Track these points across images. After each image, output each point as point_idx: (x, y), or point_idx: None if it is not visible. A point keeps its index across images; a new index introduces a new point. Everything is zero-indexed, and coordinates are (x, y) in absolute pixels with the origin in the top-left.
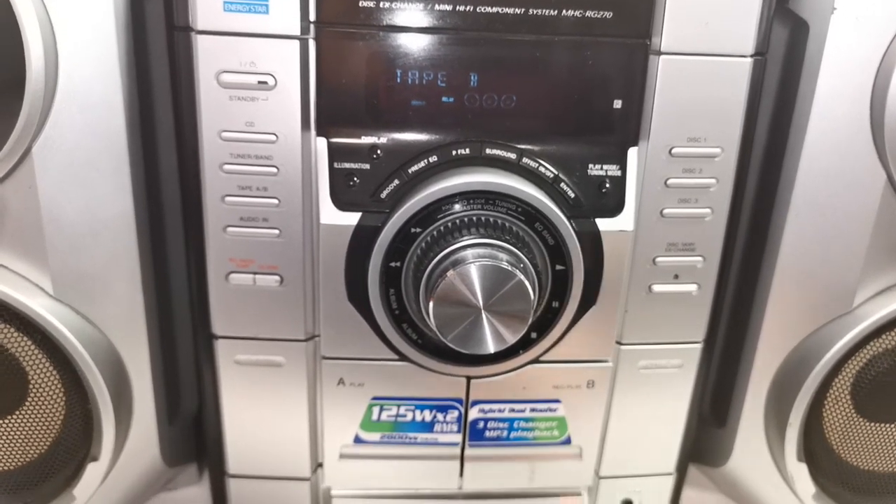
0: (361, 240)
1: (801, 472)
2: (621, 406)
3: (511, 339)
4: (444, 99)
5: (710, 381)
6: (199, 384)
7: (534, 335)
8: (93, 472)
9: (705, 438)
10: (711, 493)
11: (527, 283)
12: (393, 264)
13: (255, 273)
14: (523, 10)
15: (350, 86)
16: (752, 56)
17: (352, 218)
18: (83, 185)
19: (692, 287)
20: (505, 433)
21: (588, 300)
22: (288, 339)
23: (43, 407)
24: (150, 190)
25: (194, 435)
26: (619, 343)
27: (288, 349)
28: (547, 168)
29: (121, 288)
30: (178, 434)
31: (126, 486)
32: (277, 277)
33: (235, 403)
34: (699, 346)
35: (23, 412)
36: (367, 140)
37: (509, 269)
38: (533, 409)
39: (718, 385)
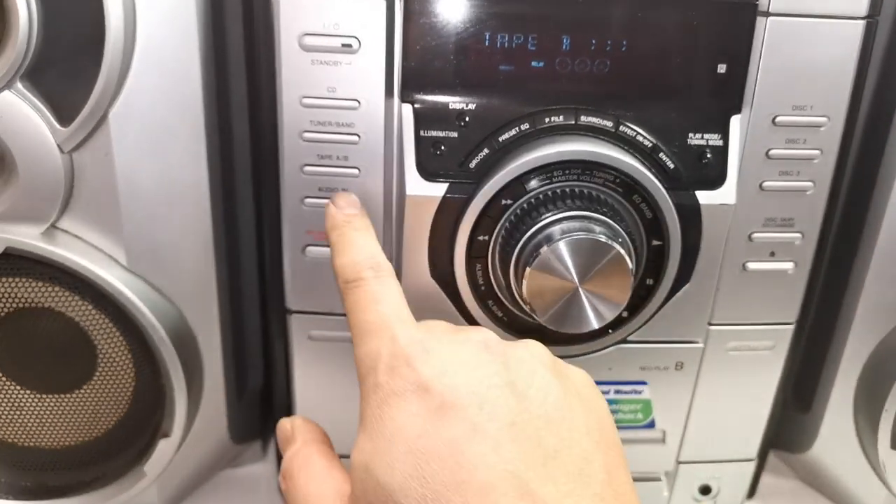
0: (448, 212)
1: (893, 461)
2: (707, 389)
3: (609, 316)
4: (534, 63)
5: (796, 363)
6: (269, 360)
7: (625, 314)
8: (164, 448)
9: (787, 423)
10: (788, 480)
11: (626, 256)
12: (481, 238)
13: None
14: None
15: (437, 49)
16: (864, 18)
17: (438, 189)
18: (158, 152)
19: (789, 265)
20: None
21: (683, 278)
22: None
23: (113, 380)
24: (224, 159)
25: (260, 412)
26: (709, 323)
27: None
28: (645, 137)
29: (193, 259)
30: (245, 410)
31: (194, 462)
32: None
33: (307, 380)
34: (791, 328)
35: (92, 385)
36: (454, 107)
37: (607, 242)
38: (618, 391)
39: (805, 368)
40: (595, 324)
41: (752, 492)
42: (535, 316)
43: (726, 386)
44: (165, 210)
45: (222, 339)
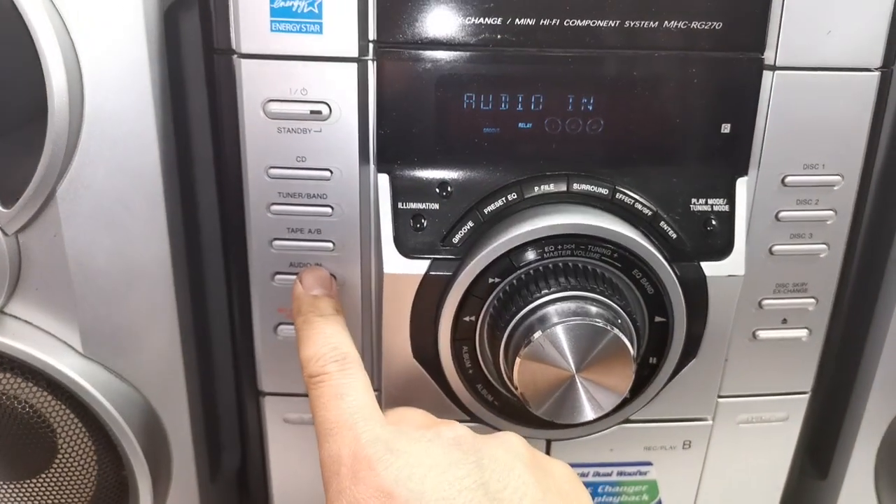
0: (430, 291)
1: None
2: (717, 465)
3: (608, 406)
4: (522, 125)
5: (813, 429)
6: (244, 443)
7: (627, 394)
8: None
9: (803, 492)
10: None
11: (626, 342)
12: (467, 318)
13: None
14: (618, 22)
15: (415, 113)
16: (879, 69)
17: (419, 266)
18: (114, 230)
19: (802, 332)
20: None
21: (689, 353)
22: None
23: (73, 469)
24: (188, 234)
25: (238, 491)
26: (719, 396)
27: None
28: (644, 204)
29: (157, 342)
30: (220, 492)
31: None
32: None
33: (284, 464)
34: (806, 397)
35: (51, 475)
36: (435, 176)
37: (605, 327)
38: (621, 473)
39: (822, 434)
40: (592, 415)
41: None
42: (528, 407)
43: (738, 461)
44: (124, 291)
45: (192, 423)
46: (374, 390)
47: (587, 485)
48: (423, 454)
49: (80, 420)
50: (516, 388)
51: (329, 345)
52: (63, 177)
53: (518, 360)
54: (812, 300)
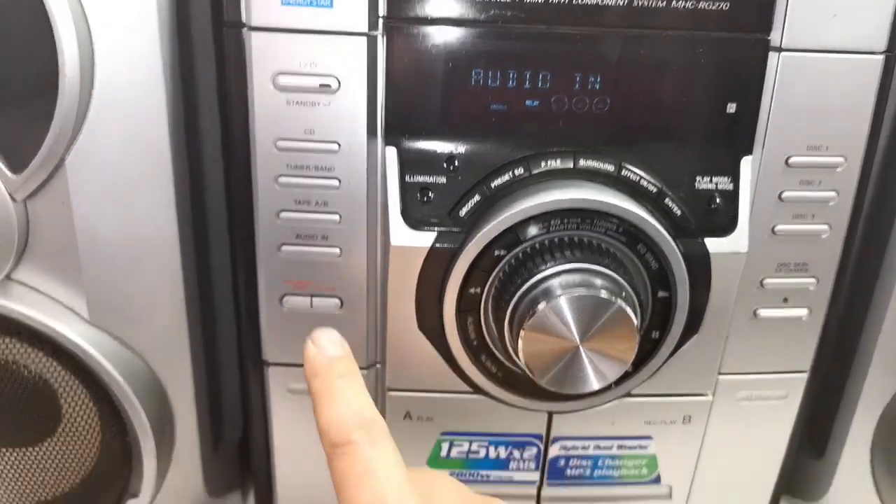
0: (436, 263)
1: None
2: (716, 441)
3: (613, 376)
4: (529, 103)
5: (810, 408)
6: (246, 413)
7: (629, 368)
8: None
9: (800, 469)
10: None
11: (630, 313)
12: (472, 291)
13: (311, 296)
14: (626, 1)
15: (424, 87)
16: (883, 53)
17: (425, 238)
18: (122, 200)
19: (802, 311)
20: (588, 472)
21: (691, 329)
22: None
23: (76, 436)
24: (195, 205)
25: (239, 461)
26: (719, 373)
27: None
28: (649, 181)
29: (163, 312)
30: (222, 463)
31: None
32: (337, 301)
33: (287, 435)
34: (805, 376)
35: (55, 440)
36: (442, 150)
37: (610, 298)
38: (621, 447)
39: (819, 413)
40: (597, 385)
41: None
42: (532, 377)
43: (736, 437)
44: (131, 260)
45: (196, 393)
46: (377, 363)
47: (587, 458)
48: None
49: (84, 386)
50: (521, 360)
51: (352, 409)
52: (72, 146)
53: (523, 331)
54: (813, 280)
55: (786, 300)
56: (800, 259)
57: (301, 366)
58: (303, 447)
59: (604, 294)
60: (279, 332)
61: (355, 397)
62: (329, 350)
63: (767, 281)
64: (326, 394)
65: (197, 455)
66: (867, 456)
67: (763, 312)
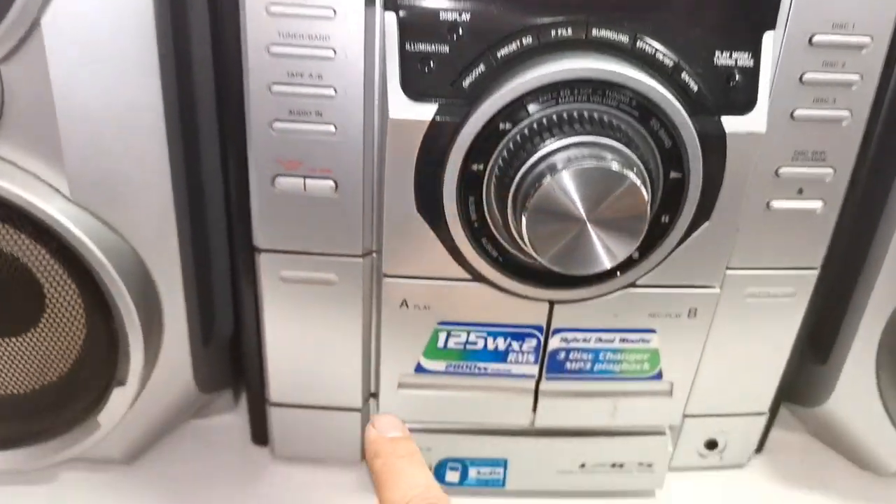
0: (437, 137)
1: None
2: (720, 338)
3: (621, 255)
4: None
5: (816, 311)
6: (237, 303)
7: (636, 254)
8: (119, 398)
9: (802, 375)
10: (798, 435)
11: (641, 186)
12: (475, 167)
13: (305, 177)
14: None
15: None
16: None
17: (426, 111)
18: (103, 66)
19: (817, 204)
20: (588, 365)
21: (702, 215)
22: (342, 253)
23: (61, 324)
24: (180, 76)
25: (230, 358)
26: (727, 267)
27: (342, 266)
28: (666, 54)
29: (148, 191)
30: (213, 357)
31: (155, 412)
32: (332, 182)
33: (279, 325)
34: (815, 273)
35: (39, 330)
36: (446, 16)
37: (620, 171)
38: (623, 340)
39: (825, 317)
40: (606, 263)
41: (760, 446)
42: (535, 256)
43: (741, 335)
44: (114, 134)
45: (184, 282)
46: (372, 250)
47: (588, 351)
48: None
49: (67, 272)
50: (524, 238)
51: (418, 487)
52: (48, 5)
53: (527, 206)
54: (830, 170)
55: (801, 191)
56: (818, 147)
57: (295, 253)
58: (295, 339)
59: (614, 166)
60: (271, 216)
61: (418, 475)
62: (390, 432)
63: (783, 170)
64: (389, 473)
65: (186, 349)
66: (872, 361)
67: (776, 204)
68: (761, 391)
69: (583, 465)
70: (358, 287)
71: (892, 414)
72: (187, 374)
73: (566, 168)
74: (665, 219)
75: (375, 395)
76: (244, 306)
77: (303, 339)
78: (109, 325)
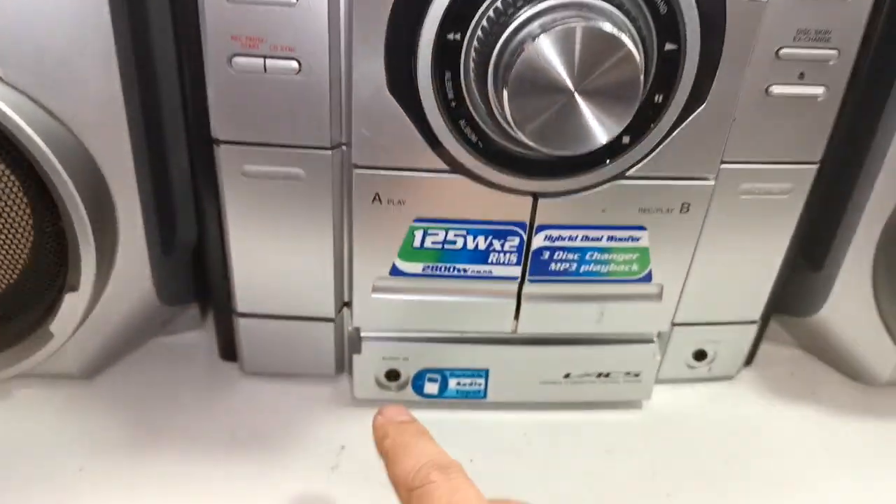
0: (409, 4)
1: None
2: (713, 238)
3: (613, 128)
4: None
5: (810, 215)
6: (198, 203)
7: (626, 139)
8: (71, 305)
9: (794, 284)
10: (787, 348)
11: (634, 50)
12: (451, 37)
13: (265, 57)
14: None
15: None
16: None
17: None
18: None
19: (819, 90)
20: (574, 266)
21: (698, 96)
22: (309, 145)
23: (4, 226)
24: None
25: (195, 271)
26: (722, 161)
27: (309, 159)
28: None
29: (92, 75)
30: (175, 266)
31: (114, 324)
32: (295, 63)
33: (243, 227)
34: (814, 169)
35: None
36: None
37: (612, 32)
38: (611, 238)
39: (820, 221)
40: (596, 138)
41: (749, 359)
42: (517, 133)
43: (735, 236)
44: (51, 7)
45: (138, 179)
46: (342, 142)
47: (574, 251)
48: None
49: (6, 165)
50: (507, 116)
51: (427, 456)
52: None
53: (510, 74)
54: (834, 52)
55: (802, 76)
56: (822, 26)
57: (257, 145)
58: (261, 242)
59: (606, 27)
60: (229, 103)
61: (427, 447)
62: (397, 418)
63: (784, 51)
64: (398, 448)
65: (144, 256)
66: (869, 267)
67: (776, 89)
68: (753, 298)
69: (567, 376)
70: (327, 182)
71: (887, 322)
72: (147, 284)
73: (550, 30)
74: (658, 98)
75: (349, 305)
76: (205, 207)
77: (269, 241)
78: (57, 226)
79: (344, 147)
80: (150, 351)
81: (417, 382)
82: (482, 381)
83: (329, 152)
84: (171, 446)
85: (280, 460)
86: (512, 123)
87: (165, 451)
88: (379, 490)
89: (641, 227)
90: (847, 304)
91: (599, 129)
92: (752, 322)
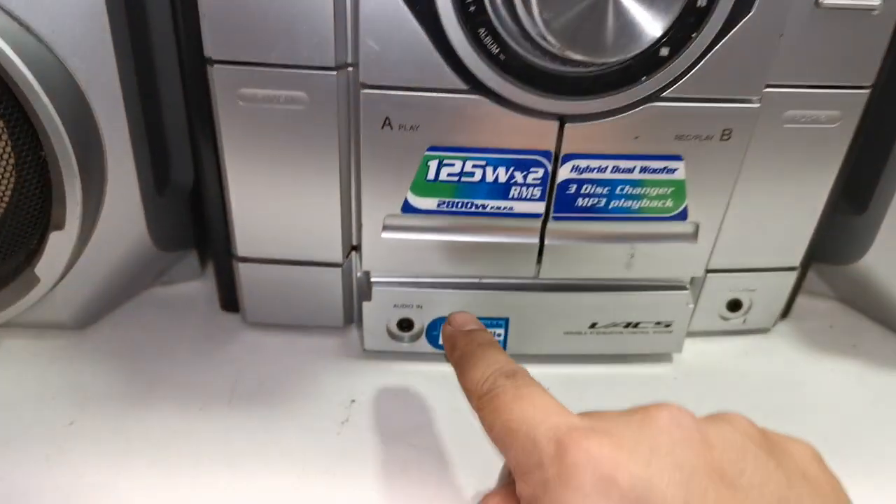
0: None
1: None
2: (752, 172)
3: (655, 29)
4: None
5: (855, 153)
6: (193, 136)
7: (664, 52)
8: (57, 245)
9: (835, 230)
10: (825, 301)
11: None
12: None
13: None
14: None
15: None
16: None
17: None
18: None
19: (874, 2)
20: (603, 202)
21: (744, 4)
22: (311, 66)
23: None
24: None
25: (193, 216)
26: (766, 85)
27: (311, 80)
28: None
29: None
30: (170, 207)
31: (106, 270)
32: None
33: (241, 159)
34: (865, 95)
35: None
36: None
37: None
38: (644, 169)
39: (865, 158)
40: (634, 39)
41: (786, 311)
42: (544, 34)
43: (777, 169)
44: None
45: (126, 107)
46: (348, 62)
47: (604, 183)
48: (639, 435)
49: None
50: (534, 14)
51: (496, 365)
52: None
53: None
54: None
55: None
56: None
57: (255, 65)
58: (260, 177)
59: None
60: (222, 16)
61: (496, 356)
62: (465, 326)
63: None
64: (467, 359)
65: (136, 194)
66: None
67: (828, 0)
68: (794, 241)
69: (593, 326)
70: (332, 108)
71: None
72: (140, 227)
73: None
74: (702, 2)
75: (358, 249)
76: (200, 140)
77: (269, 176)
78: (39, 157)
79: (350, 69)
80: (147, 301)
81: (432, 333)
82: (501, 331)
83: (334, 73)
84: (167, 401)
85: (285, 416)
86: (539, 22)
87: (162, 406)
88: (392, 445)
89: (678, 157)
90: (892, 250)
91: (638, 29)
92: (792, 269)
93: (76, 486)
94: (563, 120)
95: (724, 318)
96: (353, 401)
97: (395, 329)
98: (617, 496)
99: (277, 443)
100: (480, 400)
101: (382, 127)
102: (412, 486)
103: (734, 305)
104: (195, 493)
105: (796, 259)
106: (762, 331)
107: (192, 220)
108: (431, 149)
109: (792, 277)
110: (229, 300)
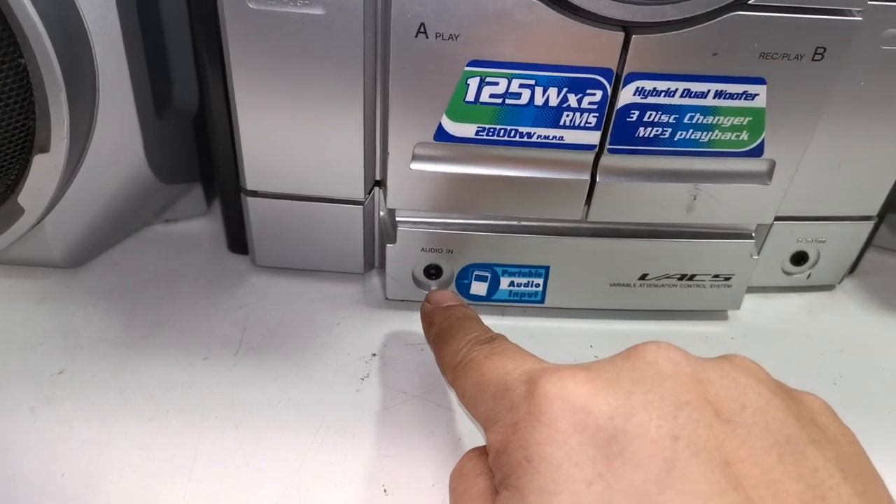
0: None
1: None
2: (842, 103)
3: None
4: None
5: None
6: (196, 51)
7: None
8: (42, 170)
9: None
10: (891, 256)
11: None
12: None
13: None
14: None
15: None
16: None
17: None
18: None
19: None
20: (668, 133)
21: None
22: None
23: None
24: None
25: (198, 145)
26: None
27: None
28: None
29: None
30: (171, 134)
31: (100, 202)
32: None
33: (250, 78)
34: None
35: None
36: None
37: None
38: (720, 94)
39: None
40: None
41: (854, 266)
42: None
43: (868, 100)
44: None
45: (120, 13)
46: None
47: (670, 110)
48: (621, 368)
49: None
50: None
51: (472, 334)
52: None
53: None
54: None
55: None
56: None
57: None
58: (272, 99)
59: None
60: None
61: (474, 326)
62: (444, 303)
63: None
64: (444, 332)
65: (133, 116)
66: None
67: None
68: (876, 187)
69: (644, 277)
70: (357, 12)
71: None
72: (138, 154)
73: None
74: None
75: (382, 184)
76: (205, 56)
77: (283, 96)
78: (18, 63)
79: None
80: (147, 239)
81: (462, 281)
82: (541, 280)
83: None
84: (168, 348)
85: (298, 370)
86: None
87: (161, 355)
88: (418, 404)
89: (760, 80)
90: None
91: None
92: (868, 218)
93: (64, 443)
94: (628, 30)
95: (787, 273)
96: (373, 355)
97: (421, 276)
98: (593, 428)
99: (289, 399)
100: (455, 370)
101: (416, 35)
102: (438, 450)
103: (799, 258)
104: (197, 452)
105: (875, 207)
106: (827, 287)
107: (197, 148)
108: (472, 63)
109: (867, 228)
110: (237, 240)
